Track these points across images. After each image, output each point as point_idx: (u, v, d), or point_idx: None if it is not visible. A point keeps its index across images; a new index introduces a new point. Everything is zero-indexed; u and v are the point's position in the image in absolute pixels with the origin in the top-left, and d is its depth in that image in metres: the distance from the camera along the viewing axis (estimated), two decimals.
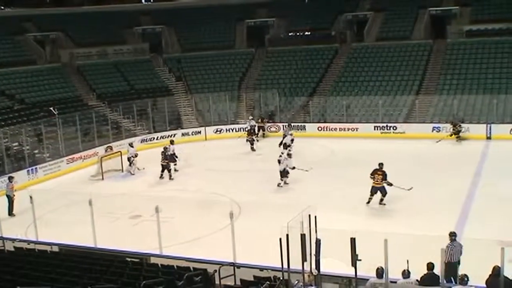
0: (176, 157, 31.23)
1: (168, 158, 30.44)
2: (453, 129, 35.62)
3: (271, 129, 41.27)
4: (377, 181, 23.11)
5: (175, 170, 31.14)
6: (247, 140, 37.14)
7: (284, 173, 27.20)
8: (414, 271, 13.36)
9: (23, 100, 40.45)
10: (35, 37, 49.03)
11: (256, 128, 39.06)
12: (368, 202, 23.41)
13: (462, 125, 35.88)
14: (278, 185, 27.08)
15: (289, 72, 47.55)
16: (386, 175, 23.12)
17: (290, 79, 46.64)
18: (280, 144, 33.43)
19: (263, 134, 40.64)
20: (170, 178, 30.20)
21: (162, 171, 30.40)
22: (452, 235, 14.47)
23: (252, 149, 36.31)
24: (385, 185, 23.15)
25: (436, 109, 39.30)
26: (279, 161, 27.21)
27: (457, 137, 35.45)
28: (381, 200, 23.28)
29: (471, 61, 42.78)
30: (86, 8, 55.00)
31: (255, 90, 46.07)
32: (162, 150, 30.83)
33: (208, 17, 52.98)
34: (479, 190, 23.81)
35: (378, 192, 23.28)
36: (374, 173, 23.23)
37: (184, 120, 43.79)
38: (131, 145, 33.46)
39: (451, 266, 13.56)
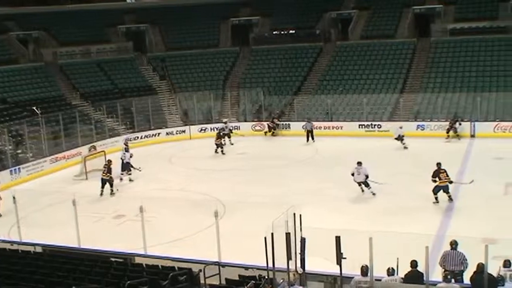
0: (132, 166, 29.94)
1: (114, 170, 28.41)
2: (450, 125, 35.81)
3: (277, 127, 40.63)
4: (444, 179, 22.65)
5: (130, 180, 29.82)
6: (216, 144, 35.48)
7: None
8: (399, 269, 13.44)
9: (5, 99, 40.21)
10: (17, 36, 48.73)
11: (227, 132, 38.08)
12: (437, 201, 22.83)
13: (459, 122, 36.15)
14: None
15: (274, 70, 47.59)
16: (447, 172, 22.81)
17: (275, 78, 46.67)
18: None
19: (273, 133, 40.02)
20: (112, 193, 27.23)
21: (103, 186, 27.19)
22: (452, 244, 14.41)
23: (222, 152, 35.18)
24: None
25: (420, 107, 39.46)
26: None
27: (456, 135, 35.63)
28: (449, 196, 22.85)
29: (455, 59, 43.02)
30: (69, 7, 54.74)
31: (240, 89, 46.07)
32: (107, 163, 28.20)
33: (192, 15, 52.85)
34: (463, 188, 23.90)
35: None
36: (438, 173, 22.77)
37: (168, 119, 43.69)
38: (126, 149, 31.91)
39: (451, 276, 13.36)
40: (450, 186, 22.94)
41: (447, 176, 22.67)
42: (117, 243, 18.72)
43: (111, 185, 27.32)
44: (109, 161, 28.38)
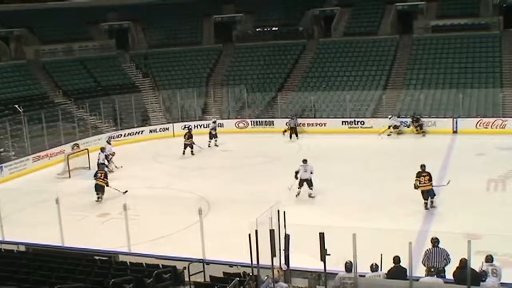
0: (106, 166, 29.40)
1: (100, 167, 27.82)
2: (414, 123, 36.35)
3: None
4: (424, 183, 21.99)
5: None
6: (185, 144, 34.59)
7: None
8: (383, 265, 13.52)
9: None
10: None
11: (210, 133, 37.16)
12: (427, 207, 22.02)
13: (423, 118, 36.59)
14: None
15: (257, 67, 47.61)
16: (431, 176, 22.17)
17: (258, 75, 46.70)
18: None
19: (296, 134, 38.04)
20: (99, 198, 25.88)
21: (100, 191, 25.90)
22: (434, 241, 14.47)
23: (192, 152, 34.39)
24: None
25: (403, 104, 39.67)
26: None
27: (421, 131, 36.08)
28: (432, 203, 22.17)
29: (437, 56, 43.26)
30: (51, 4, 54.20)
31: (223, 86, 46.03)
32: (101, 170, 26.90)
33: (175, 13, 52.69)
34: (445, 183, 24.08)
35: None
36: (419, 176, 22.11)
37: (152, 116, 43.59)
38: (108, 142, 32.78)
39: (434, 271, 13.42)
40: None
41: (430, 180, 22.03)
42: (101, 242, 18.71)
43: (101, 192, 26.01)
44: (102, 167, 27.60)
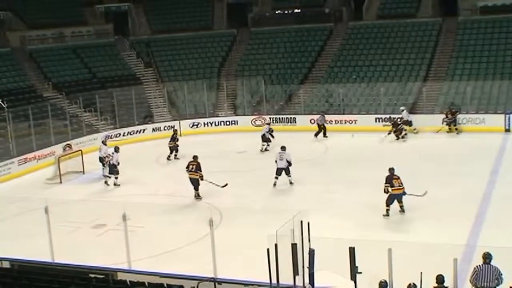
0: (115, 167, 29.68)
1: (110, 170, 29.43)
2: (449, 118, 36.15)
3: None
4: (398, 186, 22.54)
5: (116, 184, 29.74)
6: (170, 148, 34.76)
7: None
8: (422, 284, 13.47)
9: None
10: None
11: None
12: (388, 215, 22.61)
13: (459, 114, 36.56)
14: None
15: (277, 56, 47.66)
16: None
17: (278, 65, 46.75)
18: None
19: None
20: None
21: None
22: (486, 257, 14.38)
23: (176, 157, 34.39)
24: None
25: (446, 98, 39.49)
26: None
27: (455, 128, 36.03)
28: (401, 207, 22.73)
29: (486, 42, 43.06)
30: None
31: (237, 78, 46.11)
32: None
33: None
34: (496, 190, 23.95)
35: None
36: (390, 180, 22.67)
37: (155, 113, 43.73)
38: (104, 142, 32.46)
39: None
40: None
41: (401, 184, 22.55)
42: (97, 257, 18.76)
43: None
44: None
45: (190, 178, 26.28)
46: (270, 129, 36.13)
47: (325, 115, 38.35)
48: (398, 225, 21.48)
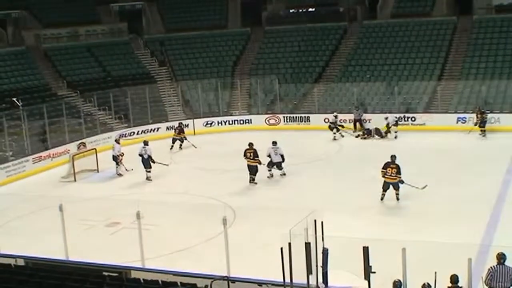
0: (153, 161, 30.32)
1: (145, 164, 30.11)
2: (479, 118, 35.62)
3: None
4: (390, 175, 23.56)
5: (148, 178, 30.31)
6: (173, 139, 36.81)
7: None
8: (437, 284, 13.42)
9: None
10: None
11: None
12: (382, 199, 23.91)
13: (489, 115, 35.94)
14: None
15: (291, 55, 47.62)
16: (400, 168, 23.58)
17: (292, 63, 46.71)
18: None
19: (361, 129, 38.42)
20: None
21: None
22: (500, 257, 14.28)
23: (180, 147, 36.60)
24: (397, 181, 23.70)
25: (461, 97, 39.35)
26: None
27: (481, 130, 35.51)
28: (397, 195, 23.78)
29: (501, 41, 42.80)
30: None
31: (251, 76, 46.10)
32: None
33: None
34: (511, 189, 23.80)
35: (391, 188, 23.81)
36: (386, 167, 23.71)
37: (169, 111, 43.78)
38: (117, 141, 32.68)
39: None
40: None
41: (398, 174, 23.39)
42: (111, 255, 18.78)
43: None
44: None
45: (248, 165, 28.08)
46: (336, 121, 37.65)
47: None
48: (412, 224, 21.40)
